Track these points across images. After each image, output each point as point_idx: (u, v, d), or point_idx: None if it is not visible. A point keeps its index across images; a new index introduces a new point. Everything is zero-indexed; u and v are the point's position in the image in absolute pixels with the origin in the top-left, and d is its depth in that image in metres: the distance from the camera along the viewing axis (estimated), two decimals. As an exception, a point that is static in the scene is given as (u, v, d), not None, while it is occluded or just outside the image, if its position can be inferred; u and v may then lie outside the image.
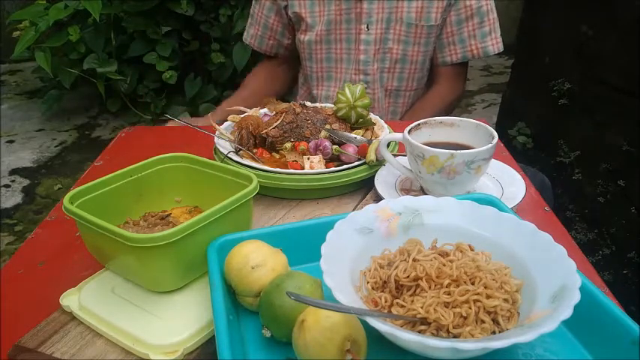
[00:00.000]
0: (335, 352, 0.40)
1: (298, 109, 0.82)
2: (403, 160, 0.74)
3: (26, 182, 2.38)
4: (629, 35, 1.47)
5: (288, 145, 0.79)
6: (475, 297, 0.43)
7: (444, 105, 1.21)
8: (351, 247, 0.48)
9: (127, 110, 2.78)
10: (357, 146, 0.77)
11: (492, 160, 0.72)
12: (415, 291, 0.45)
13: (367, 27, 1.13)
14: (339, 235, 0.48)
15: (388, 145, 0.75)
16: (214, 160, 0.78)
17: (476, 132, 0.70)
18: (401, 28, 1.13)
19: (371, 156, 0.75)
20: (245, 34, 1.32)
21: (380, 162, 0.76)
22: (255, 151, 0.79)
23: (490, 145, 0.65)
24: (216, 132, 0.83)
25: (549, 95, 1.81)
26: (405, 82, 1.20)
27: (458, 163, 0.64)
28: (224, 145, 0.80)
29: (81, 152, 2.63)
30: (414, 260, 0.46)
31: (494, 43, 1.17)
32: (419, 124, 0.72)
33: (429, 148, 0.65)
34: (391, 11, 1.11)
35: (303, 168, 0.74)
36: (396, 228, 0.52)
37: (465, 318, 0.42)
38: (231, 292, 0.49)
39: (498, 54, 1.18)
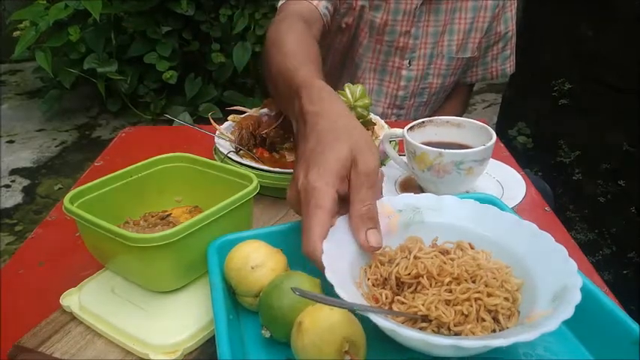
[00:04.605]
0: (333, 354, 0.40)
1: (298, 109, 0.82)
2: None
3: (26, 182, 2.38)
4: (629, 35, 1.47)
5: (288, 145, 0.79)
6: (476, 295, 0.43)
7: None
8: (352, 243, 0.48)
9: (127, 110, 2.78)
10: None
11: (492, 160, 0.72)
12: (416, 288, 0.45)
13: (409, 62, 1.08)
14: (339, 231, 0.48)
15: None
16: (214, 160, 0.78)
17: (478, 133, 0.70)
18: (442, 62, 1.10)
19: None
20: None
21: (380, 162, 0.76)
22: (255, 151, 0.79)
23: (481, 148, 0.65)
24: (216, 132, 0.83)
25: (549, 95, 1.81)
26: (435, 110, 1.20)
27: (447, 162, 0.65)
28: (224, 145, 0.80)
29: (81, 152, 2.63)
30: (415, 258, 0.46)
31: (511, 65, 1.18)
32: (423, 122, 0.72)
33: (420, 145, 0.66)
34: (434, 46, 1.08)
35: (303, 168, 0.74)
36: (397, 225, 0.52)
37: (466, 316, 0.42)
38: (231, 292, 0.49)
39: None
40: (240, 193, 0.54)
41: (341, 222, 0.49)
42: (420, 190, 0.74)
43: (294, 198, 0.49)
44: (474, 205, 0.53)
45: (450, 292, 0.43)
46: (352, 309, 0.40)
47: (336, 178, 0.47)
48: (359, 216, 0.47)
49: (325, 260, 0.43)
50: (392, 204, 0.53)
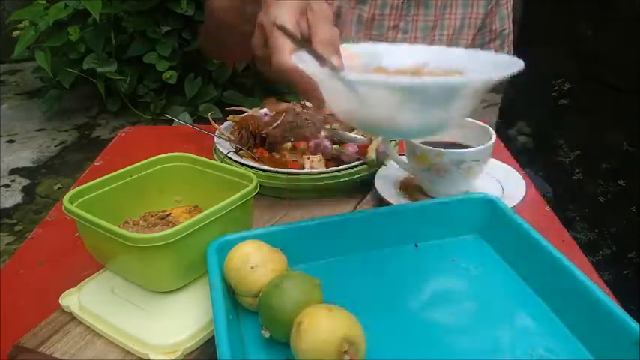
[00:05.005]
0: (333, 354, 0.40)
1: (298, 109, 0.82)
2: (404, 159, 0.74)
3: (26, 182, 2.38)
4: (628, 34, 1.47)
5: (288, 145, 0.79)
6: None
7: None
8: (315, 72, 0.47)
9: (127, 110, 2.78)
10: (358, 146, 0.77)
11: (492, 160, 0.72)
12: None
13: None
14: (306, 57, 0.47)
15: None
16: (214, 160, 0.78)
17: (478, 133, 0.70)
18: None
19: (371, 156, 0.75)
20: None
21: (380, 162, 0.76)
22: (255, 151, 0.79)
23: (481, 147, 0.65)
24: (216, 132, 0.83)
25: (549, 95, 1.81)
26: None
27: (447, 162, 0.65)
28: (224, 145, 0.80)
29: (81, 152, 2.63)
30: (377, 70, 0.48)
31: None
32: None
33: (420, 144, 0.66)
34: (424, 41, 1.06)
35: (303, 168, 0.74)
36: (358, 66, 0.53)
37: None
38: (231, 292, 0.49)
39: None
40: (240, 193, 0.54)
41: (304, 55, 0.48)
42: (420, 190, 0.74)
43: (259, 41, 0.51)
44: (430, 48, 0.53)
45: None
46: (332, 69, 0.41)
47: (295, 10, 0.50)
48: (320, 43, 0.49)
49: (295, 59, 0.44)
50: (350, 48, 0.53)
